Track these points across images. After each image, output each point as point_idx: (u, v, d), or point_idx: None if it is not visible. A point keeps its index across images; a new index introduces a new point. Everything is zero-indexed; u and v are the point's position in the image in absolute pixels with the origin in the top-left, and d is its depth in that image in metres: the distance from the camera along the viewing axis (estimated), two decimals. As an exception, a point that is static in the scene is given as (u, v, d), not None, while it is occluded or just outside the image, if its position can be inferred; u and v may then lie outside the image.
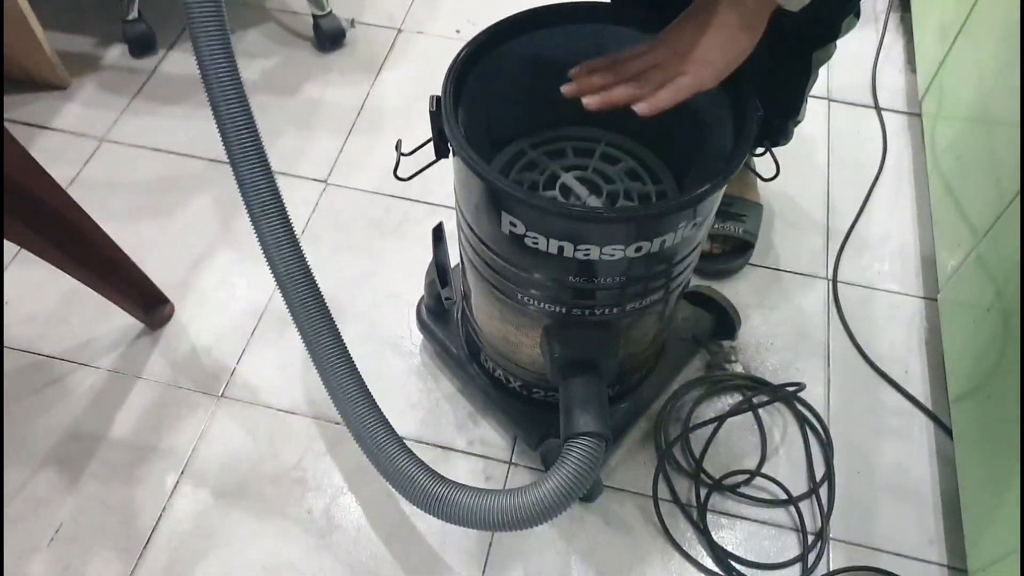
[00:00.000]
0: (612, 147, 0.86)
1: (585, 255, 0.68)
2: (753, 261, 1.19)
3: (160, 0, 1.47)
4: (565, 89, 0.69)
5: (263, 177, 0.71)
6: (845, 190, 1.29)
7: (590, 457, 0.74)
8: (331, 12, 1.44)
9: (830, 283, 1.18)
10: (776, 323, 1.13)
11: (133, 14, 1.41)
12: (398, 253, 1.19)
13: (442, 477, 0.78)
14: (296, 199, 1.21)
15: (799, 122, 1.01)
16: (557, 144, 0.86)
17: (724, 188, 0.70)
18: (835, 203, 1.27)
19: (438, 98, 0.72)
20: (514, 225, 0.68)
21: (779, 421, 1.03)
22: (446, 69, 0.72)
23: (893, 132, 1.37)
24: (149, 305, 1.06)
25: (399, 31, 1.51)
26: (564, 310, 0.77)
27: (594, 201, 0.81)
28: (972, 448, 0.93)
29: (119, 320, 1.07)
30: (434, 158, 0.77)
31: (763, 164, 0.88)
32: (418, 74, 1.43)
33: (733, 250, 1.17)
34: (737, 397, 1.05)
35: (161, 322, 1.09)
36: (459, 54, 0.73)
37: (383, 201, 1.25)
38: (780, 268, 1.19)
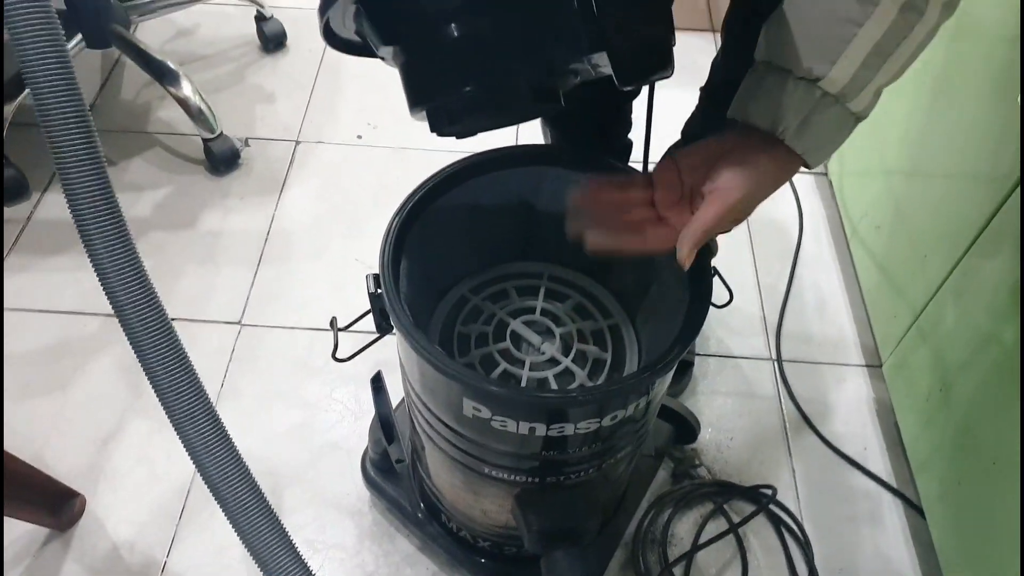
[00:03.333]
0: (554, 282, 0.82)
1: (559, 432, 0.63)
2: (698, 350, 1.17)
3: (27, 139, 1.33)
4: (589, 243, 0.62)
5: (164, 341, 0.60)
6: (772, 259, 1.29)
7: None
8: (222, 133, 1.35)
9: (775, 363, 1.17)
10: (731, 415, 1.11)
11: (-2, 158, 1.28)
12: (329, 395, 1.09)
13: None
14: (209, 348, 1.09)
15: None
16: (498, 285, 0.82)
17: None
18: (764, 274, 1.27)
19: (376, 277, 0.66)
20: (478, 410, 0.62)
21: (754, 526, 1.00)
22: (380, 241, 0.66)
23: (804, 191, 1.39)
24: (55, 505, 0.93)
25: (297, 143, 1.42)
26: (537, 479, 0.71)
27: (548, 347, 0.76)
28: (947, 526, 0.92)
29: (20, 527, 0.93)
30: (375, 334, 0.70)
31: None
32: (324, 188, 1.33)
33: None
34: (709, 505, 1.01)
35: (72, 520, 0.95)
36: (392, 223, 0.67)
37: (305, 337, 1.15)
38: (725, 355, 1.17)
